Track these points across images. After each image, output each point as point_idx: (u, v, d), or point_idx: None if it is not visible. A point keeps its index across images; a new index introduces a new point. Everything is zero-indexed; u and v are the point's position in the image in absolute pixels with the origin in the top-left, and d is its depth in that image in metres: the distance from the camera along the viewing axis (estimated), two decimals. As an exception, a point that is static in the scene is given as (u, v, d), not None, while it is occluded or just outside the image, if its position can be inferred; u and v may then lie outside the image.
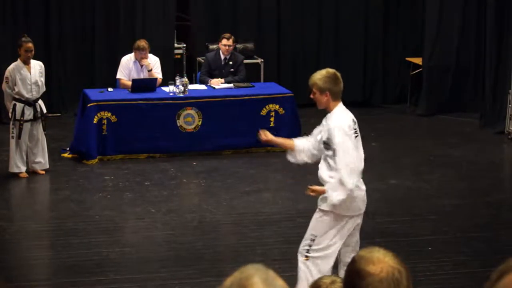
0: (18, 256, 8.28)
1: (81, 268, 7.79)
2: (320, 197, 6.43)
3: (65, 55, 13.66)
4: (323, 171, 6.40)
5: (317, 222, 6.50)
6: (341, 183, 6.21)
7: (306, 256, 6.56)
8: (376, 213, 9.17)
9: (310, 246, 6.53)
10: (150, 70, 11.68)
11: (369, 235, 8.60)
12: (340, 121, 6.36)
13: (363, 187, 6.50)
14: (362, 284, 2.44)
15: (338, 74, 6.49)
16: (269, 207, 9.54)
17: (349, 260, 2.54)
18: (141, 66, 11.70)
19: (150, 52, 11.72)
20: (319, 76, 6.40)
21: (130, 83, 11.51)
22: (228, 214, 9.33)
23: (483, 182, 10.50)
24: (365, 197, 6.53)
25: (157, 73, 11.74)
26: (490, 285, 2.12)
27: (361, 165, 6.40)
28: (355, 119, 6.49)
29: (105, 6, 13.66)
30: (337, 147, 6.24)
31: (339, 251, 6.50)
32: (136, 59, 11.67)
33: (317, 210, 6.50)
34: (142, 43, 11.58)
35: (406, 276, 2.46)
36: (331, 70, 6.48)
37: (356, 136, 6.42)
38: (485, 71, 13.33)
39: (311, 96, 6.54)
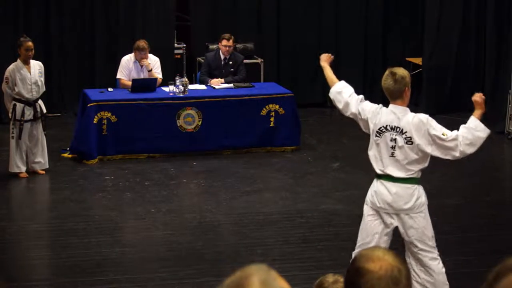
0: (18, 256, 8.28)
1: (81, 268, 7.79)
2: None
3: (65, 55, 13.66)
4: None
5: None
6: None
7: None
8: (376, 213, 9.16)
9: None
10: (150, 70, 11.68)
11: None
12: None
13: (382, 187, 6.57)
14: (361, 282, 2.45)
15: (392, 76, 6.43)
16: (269, 207, 9.55)
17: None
18: (141, 66, 11.71)
19: (150, 52, 11.73)
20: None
21: (130, 83, 11.52)
22: (228, 214, 9.33)
23: (483, 182, 10.50)
24: (380, 196, 6.56)
25: (157, 73, 11.74)
26: (487, 286, 2.12)
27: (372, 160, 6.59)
28: (387, 126, 6.48)
29: (105, 6, 13.66)
30: None
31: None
32: (136, 59, 11.67)
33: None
34: (142, 43, 11.58)
35: (405, 275, 2.47)
36: (389, 71, 6.52)
37: (377, 136, 6.54)
38: (485, 71, 13.33)
39: None
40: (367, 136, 6.69)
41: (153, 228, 8.91)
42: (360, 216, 9.08)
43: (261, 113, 11.59)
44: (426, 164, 6.56)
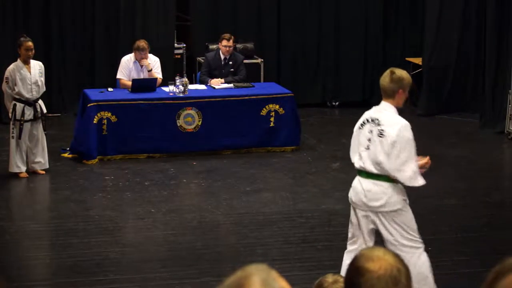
0: (18, 256, 8.28)
1: (81, 268, 7.79)
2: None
3: (65, 55, 13.67)
4: None
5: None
6: None
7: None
8: (376, 213, 9.16)
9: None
10: (150, 70, 11.68)
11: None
12: None
13: (357, 182, 6.59)
14: (361, 281, 2.45)
15: (390, 74, 6.43)
16: (269, 207, 9.55)
17: None
18: (141, 66, 11.71)
19: (150, 52, 11.73)
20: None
21: (130, 83, 11.52)
22: (228, 214, 9.33)
23: (483, 182, 10.49)
24: (355, 192, 6.59)
25: (157, 73, 11.74)
26: (487, 286, 2.12)
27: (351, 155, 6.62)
28: (369, 118, 6.49)
29: (105, 6, 13.67)
30: None
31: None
32: (136, 59, 11.67)
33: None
34: (142, 43, 11.58)
35: (405, 275, 2.47)
36: (389, 70, 6.51)
37: (360, 128, 6.54)
38: (485, 71, 13.33)
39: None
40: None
41: (153, 228, 8.91)
42: (360, 216, 9.08)
43: (261, 113, 11.59)
44: (397, 165, 6.42)
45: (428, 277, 6.63)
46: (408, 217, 6.57)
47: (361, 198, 6.55)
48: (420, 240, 6.63)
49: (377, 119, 6.41)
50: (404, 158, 6.35)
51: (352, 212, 6.74)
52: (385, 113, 6.42)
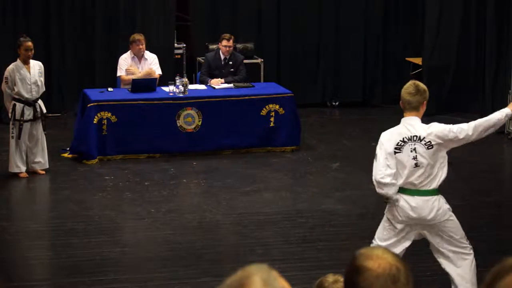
0: (18, 256, 8.28)
1: (81, 268, 7.79)
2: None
3: (65, 55, 13.67)
4: None
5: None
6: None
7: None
8: (377, 213, 9.16)
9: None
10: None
11: (370, 235, 8.60)
12: (384, 133, 6.67)
13: (402, 201, 6.59)
14: (360, 279, 2.46)
15: (415, 87, 6.52)
16: (269, 207, 9.55)
17: None
18: (140, 61, 11.76)
19: (150, 51, 11.78)
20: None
21: (131, 77, 11.57)
22: (228, 214, 9.33)
23: (483, 182, 10.49)
24: (409, 211, 6.60)
25: (156, 69, 11.81)
26: (486, 286, 2.12)
27: (381, 177, 6.53)
28: (405, 138, 6.51)
29: (105, 6, 13.67)
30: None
31: None
32: (134, 53, 11.73)
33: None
34: (137, 36, 11.71)
35: (404, 273, 2.47)
36: (412, 82, 6.59)
37: (397, 152, 6.50)
38: (485, 71, 13.33)
39: None
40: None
41: (153, 228, 8.91)
42: (360, 215, 9.12)
43: (261, 113, 11.59)
44: (445, 173, 6.71)
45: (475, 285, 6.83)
46: (455, 224, 6.78)
47: (408, 213, 6.60)
48: (469, 246, 6.87)
49: (415, 136, 6.53)
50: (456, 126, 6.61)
51: (391, 227, 6.73)
52: (418, 126, 6.58)
